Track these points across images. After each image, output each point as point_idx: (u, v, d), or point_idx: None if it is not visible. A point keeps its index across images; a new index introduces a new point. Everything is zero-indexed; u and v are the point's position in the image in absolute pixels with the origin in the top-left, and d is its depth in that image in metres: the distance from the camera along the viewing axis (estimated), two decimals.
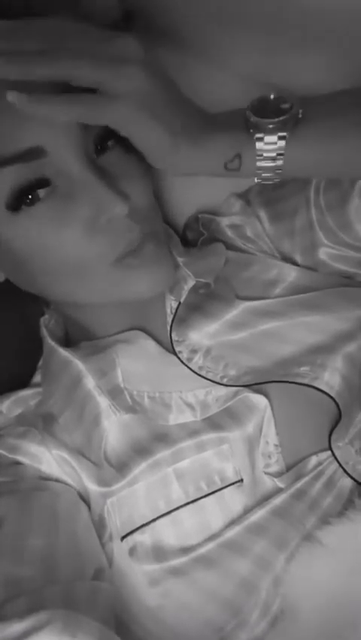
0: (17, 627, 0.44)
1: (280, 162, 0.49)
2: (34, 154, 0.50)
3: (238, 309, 0.65)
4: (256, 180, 0.52)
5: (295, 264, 0.68)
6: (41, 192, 0.52)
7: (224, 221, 0.71)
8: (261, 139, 0.49)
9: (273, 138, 0.48)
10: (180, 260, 0.63)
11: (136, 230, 0.54)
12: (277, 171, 0.50)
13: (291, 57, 0.64)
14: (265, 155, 0.49)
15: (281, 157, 0.49)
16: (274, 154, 0.49)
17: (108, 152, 0.54)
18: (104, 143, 0.54)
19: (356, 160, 0.51)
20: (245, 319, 0.64)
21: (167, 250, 0.57)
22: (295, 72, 0.63)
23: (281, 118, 0.48)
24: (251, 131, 0.49)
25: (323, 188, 0.64)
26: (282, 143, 0.48)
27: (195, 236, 0.74)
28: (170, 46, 0.69)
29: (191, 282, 0.62)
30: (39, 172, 0.51)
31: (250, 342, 0.63)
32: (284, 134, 0.48)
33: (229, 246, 0.70)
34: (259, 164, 0.50)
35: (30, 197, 0.51)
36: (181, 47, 0.69)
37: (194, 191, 0.74)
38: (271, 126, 0.48)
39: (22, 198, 0.51)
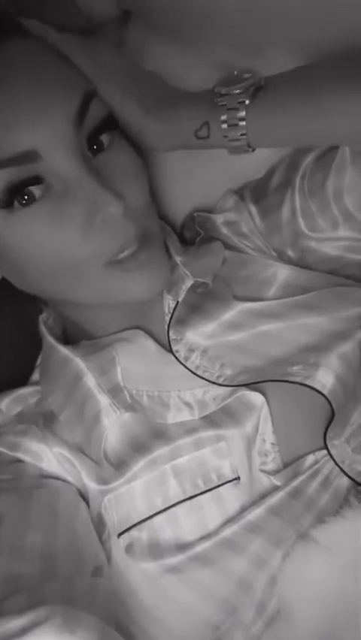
0: (16, 623, 0.44)
1: (243, 130, 0.52)
2: (28, 157, 0.51)
3: (235, 310, 0.65)
4: (228, 152, 0.55)
5: (288, 258, 0.68)
6: (37, 192, 0.52)
7: (219, 219, 0.71)
8: (223, 105, 0.52)
9: (234, 104, 0.52)
10: (178, 259, 0.64)
11: (131, 231, 0.54)
12: (242, 137, 0.53)
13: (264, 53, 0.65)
14: (229, 122, 0.52)
15: (243, 122, 0.52)
16: (237, 120, 0.52)
17: (104, 152, 0.55)
18: (99, 143, 0.55)
19: (327, 126, 0.52)
20: (243, 320, 0.64)
21: (162, 251, 0.58)
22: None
23: (241, 84, 0.52)
24: (216, 100, 0.52)
25: (308, 174, 0.63)
26: (242, 110, 0.52)
27: (192, 235, 0.74)
28: (166, 43, 0.69)
29: (189, 282, 0.62)
30: (33, 172, 0.52)
31: (247, 343, 0.63)
32: (244, 99, 0.52)
33: (226, 245, 0.70)
34: (224, 133, 0.53)
35: (26, 197, 0.52)
36: (176, 46, 0.69)
37: (192, 189, 0.74)
38: (235, 91, 0.52)
39: (14, 195, 0.52)
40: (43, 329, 0.67)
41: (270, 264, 0.68)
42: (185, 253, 0.66)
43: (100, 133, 0.55)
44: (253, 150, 0.55)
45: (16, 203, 0.52)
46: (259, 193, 0.69)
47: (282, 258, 0.68)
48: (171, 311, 0.63)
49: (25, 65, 0.53)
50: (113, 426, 0.60)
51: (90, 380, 0.61)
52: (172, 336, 0.63)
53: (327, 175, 0.61)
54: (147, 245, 0.55)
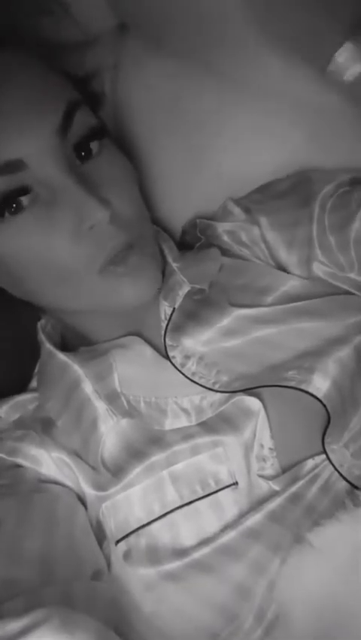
0: (15, 625, 0.44)
1: None
2: (14, 167, 0.52)
3: (231, 316, 0.65)
4: None
5: (290, 272, 0.69)
6: (25, 201, 0.53)
7: (220, 227, 0.71)
8: None
9: None
10: (174, 265, 0.64)
11: (120, 237, 0.55)
12: None
13: None
14: None
15: None
16: None
17: (93, 160, 0.56)
18: (87, 151, 0.55)
19: None
20: (238, 326, 0.65)
21: (154, 256, 0.58)
22: None
23: None
24: None
25: (329, 208, 0.65)
26: None
27: (192, 240, 0.75)
28: (164, 54, 0.70)
29: (186, 288, 0.62)
30: (20, 182, 0.52)
31: (243, 349, 0.64)
32: None
33: (225, 252, 0.71)
34: None
35: (14, 205, 0.53)
36: (174, 57, 0.70)
37: (191, 195, 0.75)
38: None
39: (4, 205, 0.52)
40: (41, 336, 0.67)
41: (268, 272, 0.68)
42: (182, 259, 0.66)
43: (88, 141, 0.55)
44: None
45: (5, 212, 0.53)
46: (270, 207, 0.70)
47: (285, 271, 0.69)
48: (168, 317, 0.63)
49: (9, 76, 0.54)
50: (110, 432, 0.60)
51: (88, 386, 0.61)
52: (169, 342, 0.63)
53: (351, 219, 0.63)
54: (138, 249, 0.56)
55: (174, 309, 0.63)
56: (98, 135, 0.56)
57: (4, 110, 0.52)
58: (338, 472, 0.58)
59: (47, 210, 0.53)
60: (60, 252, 0.54)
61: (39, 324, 0.69)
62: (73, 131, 0.54)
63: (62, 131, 0.53)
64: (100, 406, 0.60)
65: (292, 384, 0.59)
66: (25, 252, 0.54)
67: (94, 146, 0.56)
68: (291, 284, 0.67)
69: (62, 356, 0.64)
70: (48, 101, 0.54)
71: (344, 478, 0.58)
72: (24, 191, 0.53)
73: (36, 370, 0.71)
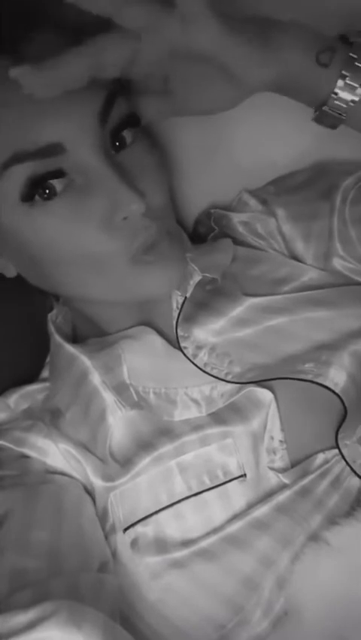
0: (23, 618, 0.44)
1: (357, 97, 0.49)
2: (53, 150, 0.50)
3: (243, 306, 0.64)
4: (325, 108, 0.51)
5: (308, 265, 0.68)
6: (58, 186, 0.51)
7: (236, 218, 0.71)
8: (352, 59, 0.49)
9: None
10: (187, 255, 0.63)
11: (152, 229, 0.53)
12: (351, 104, 0.50)
13: None
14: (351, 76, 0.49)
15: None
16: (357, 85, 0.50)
17: (127, 149, 0.54)
18: (121, 140, 0.54)
19: None
20: (250, 315, 0.64)
21: (181, 249, 0.57)
22: None
23: None
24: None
25: (350, 200, 0.64)
26: None
27: (206, 231, 0.74)
28: None
29: (197, 277, 0.61)
30: (56, 165, 0.51)
31: (255, 339, 0.63)
32: None
33: (240, 242, 0.70)
34: (347, 69, 0.49)
35: (47, 191, 0.51)
36: None
37: (204, 186, 0.75)
38: None
39: (36, 189, 0.51)
40: (51, 327, 0.67)
41: (285, 263, 0.68)
42: (194, 250, 0.66)
43: (122, 129, 0.54)
44: (336, 127, 0.53)
45: (37, 197, 0.51)
46: (287, 199, 0.69)
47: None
48: (179, 307, 0.62)
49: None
50: (119, 423, 0.60)
51: (96, 378, 0.61)
52: (180, 332, 0.62)
53: None
54: (165, 238, 0.55)
55: (185, 298, 0.62)
56: (132, 123, 0.55)
57: None
58: (351, 468, 0.58)
59: (80, 198, 0.52)
60: (91, 241, 0.52)
61: (49, 316, 0.68)
62: (110, 118, 0.52)
63: (102, 117, 0.52)
64: (108, 397, 0.60)
65: (309, 377, 0.58)
66: (53, 240, 0.53)
67: (128, 134, 0.54)
68: (310, 275, 0.67)
69: (70, 347, 0.63)
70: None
71: (357, 474, 0.58)
72: (58, 174, 0.51)
73: (47, 360, 0.70)
